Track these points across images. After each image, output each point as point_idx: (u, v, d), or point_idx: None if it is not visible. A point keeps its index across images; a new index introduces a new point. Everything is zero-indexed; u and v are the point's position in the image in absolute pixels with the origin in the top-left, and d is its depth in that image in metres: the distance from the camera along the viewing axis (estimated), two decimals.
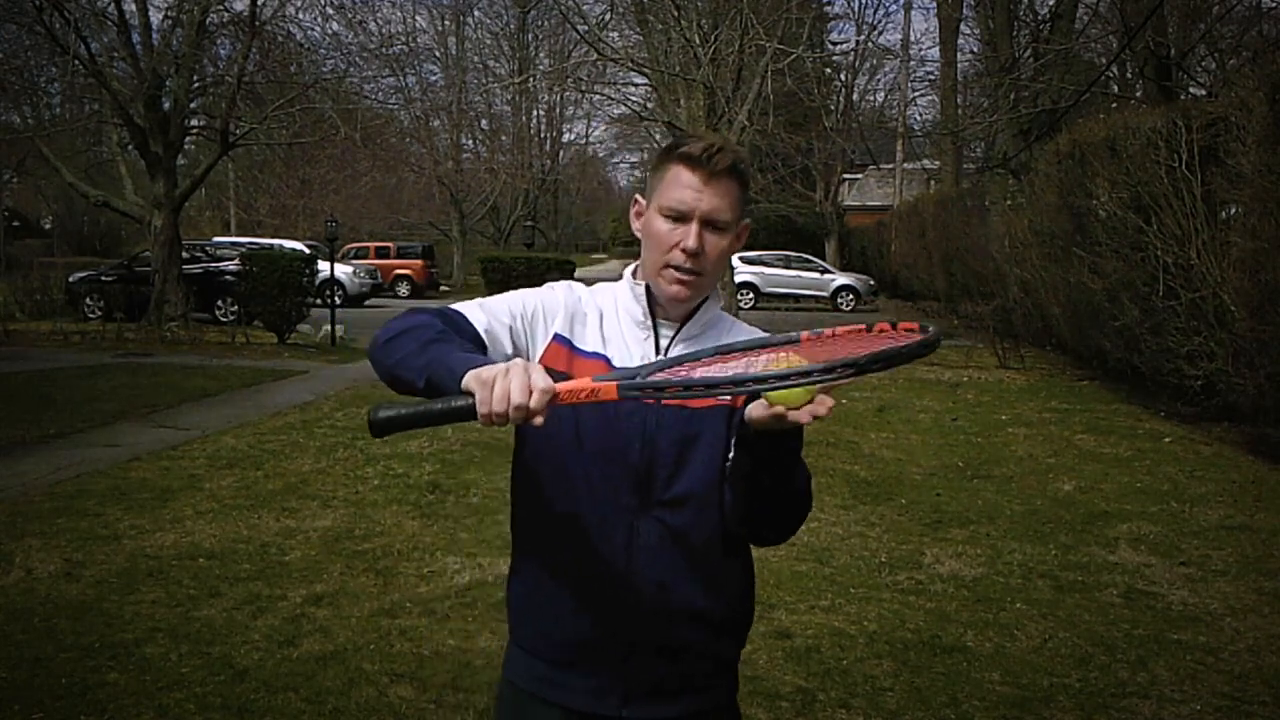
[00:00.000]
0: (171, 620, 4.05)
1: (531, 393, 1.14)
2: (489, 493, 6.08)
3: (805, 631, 4.06)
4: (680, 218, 1.46)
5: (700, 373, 1.30)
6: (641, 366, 1.34)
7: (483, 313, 1.48)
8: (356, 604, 4.28)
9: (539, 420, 1.15)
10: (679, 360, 1.33)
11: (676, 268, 1.47)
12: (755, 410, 1.26)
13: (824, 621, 4.17)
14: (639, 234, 1.54)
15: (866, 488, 6.44)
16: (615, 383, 1.20)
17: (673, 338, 1.53)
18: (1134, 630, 4.13)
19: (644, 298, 1.53)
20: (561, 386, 1.18)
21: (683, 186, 1.46)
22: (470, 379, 1.18)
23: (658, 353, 1.52)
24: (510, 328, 1.49)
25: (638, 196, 1.57)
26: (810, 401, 1.22)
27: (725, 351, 1.34)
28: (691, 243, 1.45)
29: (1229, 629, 4.16)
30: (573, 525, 1.48)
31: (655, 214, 1.49)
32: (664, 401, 1.46)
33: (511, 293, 1.56)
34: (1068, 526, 5.62)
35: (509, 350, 1.48)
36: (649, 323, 1.53)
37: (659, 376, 1.27)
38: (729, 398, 1.42)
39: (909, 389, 10.84)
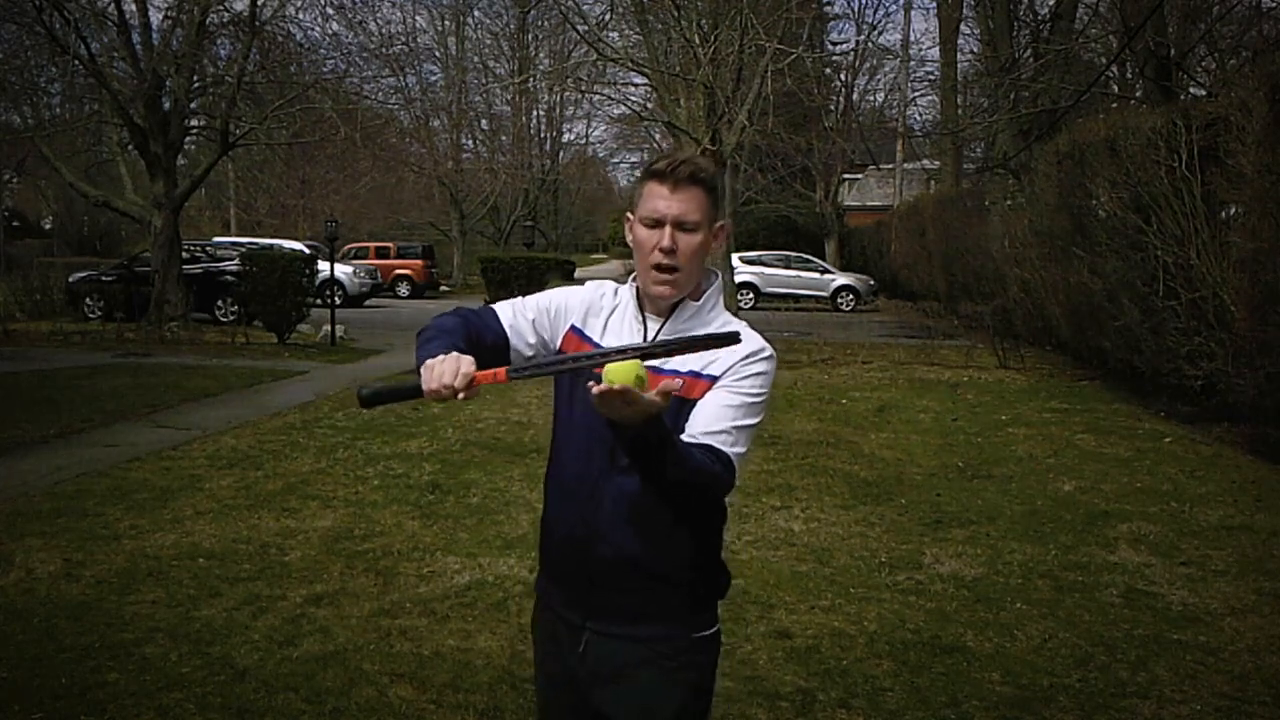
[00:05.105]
0: (171, 620, 4.05)
1: (457, 375, 1.53)
2: (489, 493, 6.09)
3: (805, 631, 4.06)
4: (656, 224, 1.78)
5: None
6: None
7: (510, 310, 1.88)
8: (356, 604, 4.28)
9: (462, 396, 1.55)
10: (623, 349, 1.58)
11: (657, 267, 1.78)
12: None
13: (824, 621, 4.17)
14: (632, 246, 1.85)
15: (866, 488, 6.44)
16: (506, 368, 1.58)
17: (658, 331, 1.83)
18: (1134, 630, 4.13)
19: (634, 298, 1.86)
20: (478, 373, 1.55)
21: (655, 197, 1.78)
22: (423, 366, 1.59)
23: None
24: (534, 320, 1.87)
25: (628, 214, 1.87)
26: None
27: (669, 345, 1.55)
28: (665, 241, 1.76)
29: (1229, 629, 4.16)
30: (563, 480, 1.86)
31: (638, 225, 1.81)
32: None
33: (547, 291, 1.94)
34: (1068, 526, 5.62)
35: (531, 339, 1.86)
36: (640, 317, 1.85)
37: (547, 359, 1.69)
38: (680, 385, 1.70)
39: (909, 389, 10.85)
